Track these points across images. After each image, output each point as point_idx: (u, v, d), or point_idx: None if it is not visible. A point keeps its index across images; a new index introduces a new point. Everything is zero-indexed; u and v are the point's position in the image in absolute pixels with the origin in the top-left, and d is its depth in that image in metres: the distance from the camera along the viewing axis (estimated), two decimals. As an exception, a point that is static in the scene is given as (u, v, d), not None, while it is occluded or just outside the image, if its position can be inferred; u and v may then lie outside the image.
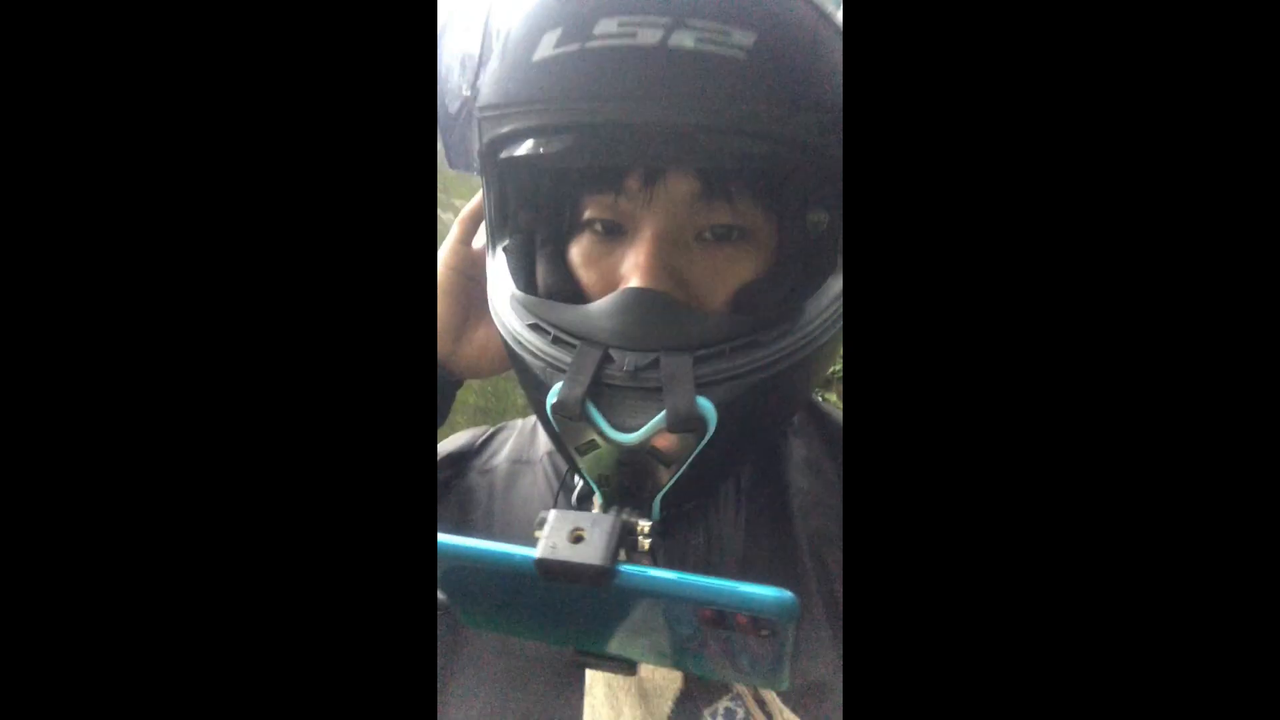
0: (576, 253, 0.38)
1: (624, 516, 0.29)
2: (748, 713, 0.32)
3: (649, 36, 0.30)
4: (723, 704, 0.32)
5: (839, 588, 0.37)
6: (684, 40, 0.30)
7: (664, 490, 0.33)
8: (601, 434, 0.32)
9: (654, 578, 0.26)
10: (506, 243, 0.40)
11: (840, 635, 0.36)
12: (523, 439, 0.50)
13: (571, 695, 0.35)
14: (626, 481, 0.34)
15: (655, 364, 0.32)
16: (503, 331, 0.38)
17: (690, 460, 0.33)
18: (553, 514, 0.28)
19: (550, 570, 0.26)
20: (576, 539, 0.27)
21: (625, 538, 0.28)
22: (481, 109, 0.36)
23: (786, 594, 0.25)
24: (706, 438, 0.32)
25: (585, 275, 0.38)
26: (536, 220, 0.40)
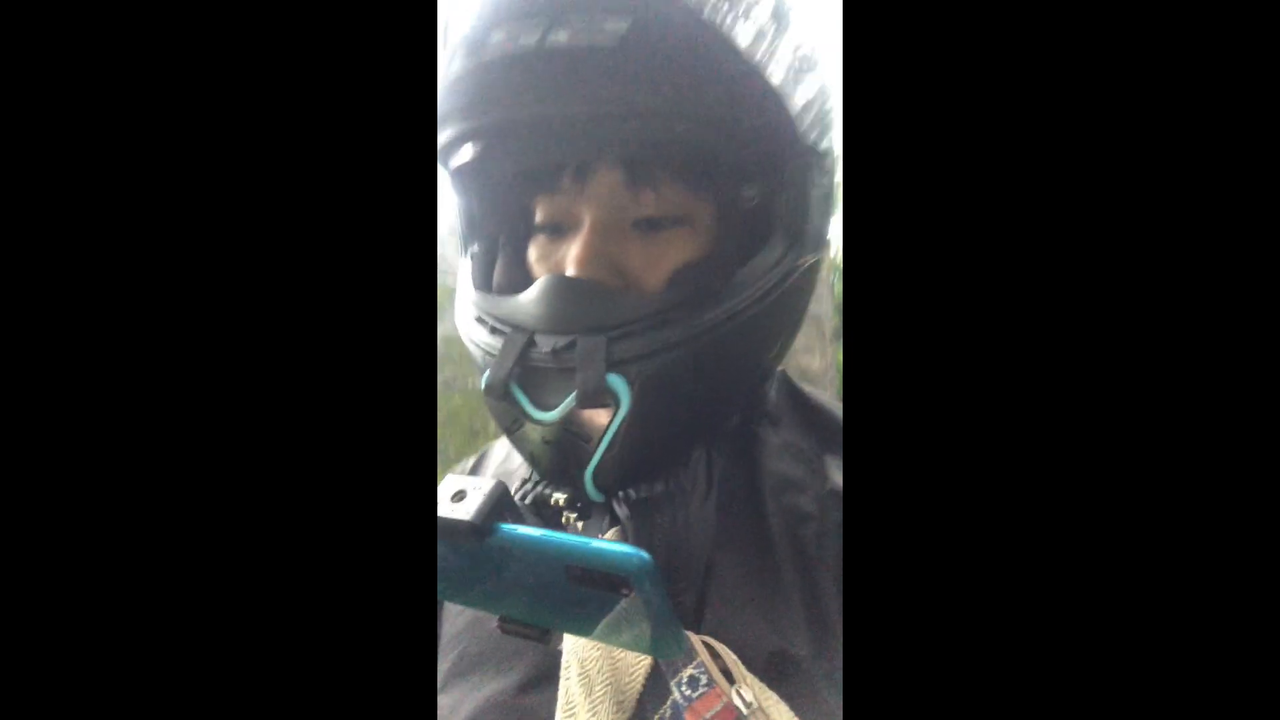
0: (531, 252, 0.41)
1: (545, 491, 0.31)
2: (711, 679, 0.32)
3: (529, 39, 0.32)
4: (687, 673, 0.33)
5: (817, 565, 0.38)
6: (559, 37, 0.32)
7: (590, 466, 0.35)
8: (524, 412, 0.34)
9: (521, 535, 0.27)
10: (475, 249, 0.43)
11: (816, 611, 0.36)
12: (506, 451, 0.52)
13: (547, 678, 0.35)
14: (556, 461, 0.36)
15: (573, 345, 0.34)
16: (461, 335, 0.40)
17: (611, 435, 0.34)
18: (447, 476, 0.29)
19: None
20: (458, 498, 0.28)
21: (504, 502, 0.29)
22: None
23: (639, 551, 0.25)
24: (621, 413, 0.33)
25: (537, 272, 0.40)
26: (499, 225, 0.42)
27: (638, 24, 0.32)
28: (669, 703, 0.33)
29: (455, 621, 0.41)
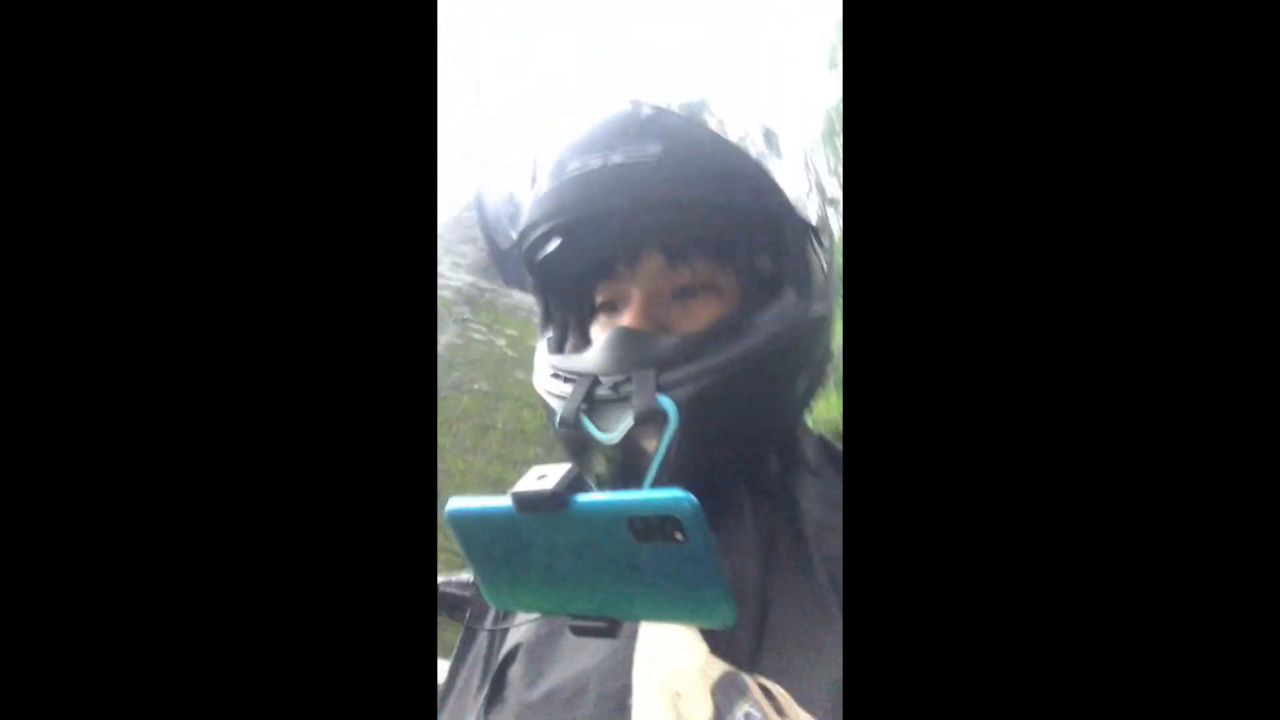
0: (594, 330, 0.52)
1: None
2: (764, 714, 0.35)
3: (595, 163, 0.44)
4: (743, 709, 0.36)
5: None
6: (615, 158, 0.44)
7: (648, 476, 0.41)
8: (591, 436, 0.42)
9: (591, 500, 0.31)
10: (550, 335, 0.54)
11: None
12: None
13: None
14: (618, 479, 0.43)
15: (629, 380, 0.43)
16: (538, 391, 0.49)
17: (665, 447, 0.41)
18: (533, 468, 0.34)
19: (519, 500, 0.32)
20: (540, 479, 0.32)
21: (580, 481, 0.32)
22: (521, 231, 0.51)
23: (688, 494, 0.28)
24: (670, 426, 0.40)
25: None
26: (567, 312, 0.54)
27: (669, 145, 0.44)
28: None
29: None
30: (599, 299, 0.51)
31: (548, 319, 0.55)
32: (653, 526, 0.29)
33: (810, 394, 0.52)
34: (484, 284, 3.41)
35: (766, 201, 0.47)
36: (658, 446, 0.41)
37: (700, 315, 0.47)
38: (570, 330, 0.54)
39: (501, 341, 3.14)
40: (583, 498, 0.31)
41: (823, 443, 0.54)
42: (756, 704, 0.36)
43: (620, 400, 0.43)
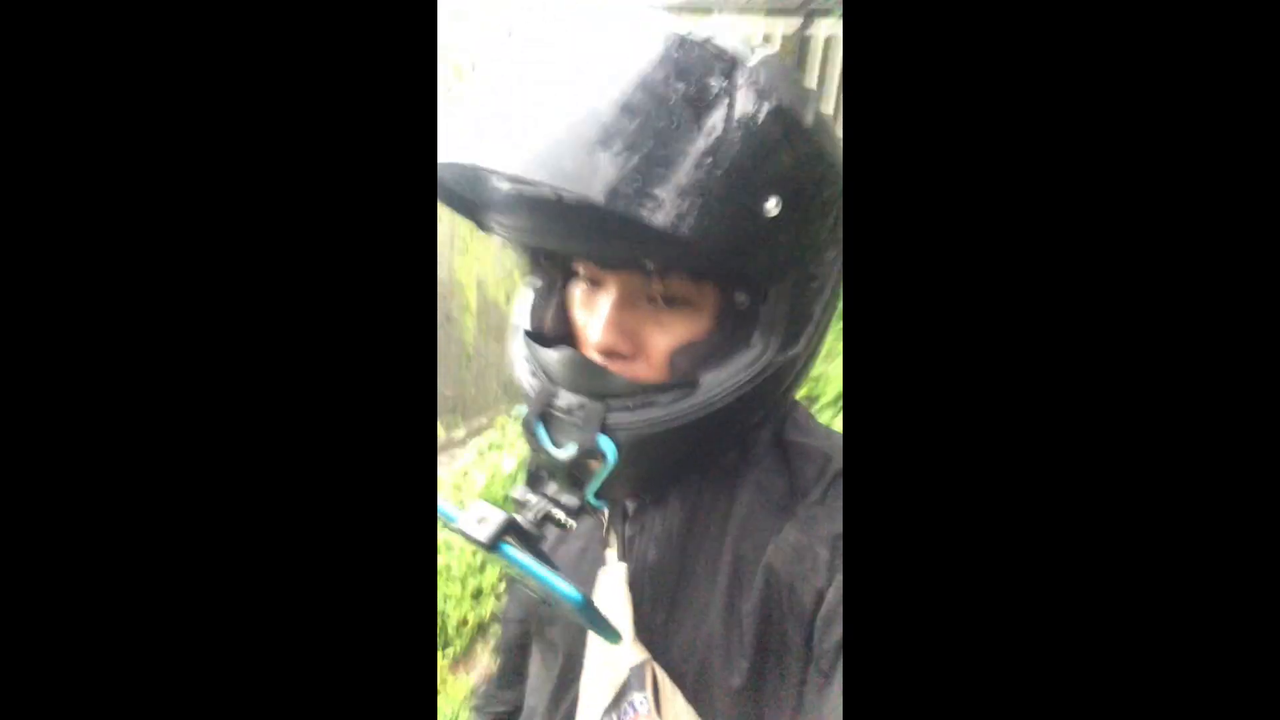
0: (575, 296, 0.51)
1: (551, 502, 0.44)
2: (649, 705, 0.43)
3: (596, 192, 0.36)
4: (638, 695, 0.43)
5: (748, 603, 0.46)
6: (619, 203, 0.37)
7: (590, 488, 0.46)
8: (543, 447, 0.46)
9: (513, 558, 0.41)
10: (537, 284, 0.53)
11: (745, 644, 0.45)
12: None
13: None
14: (568, 475, 0.46)
15: (582, 405, 0.44)
16: (512, 359, 0.51)
17: (604, 478, 0.45)
18: (474, 502, 0.43)
19: (462, 534, 0.42)
20: (480, 521, 0.41)
21: (511, 528, 0.42)
22: (495, 198, 0.45)
23: (575, 593, 0.39)
24: (609, 465, 0.44)
25: (577, 316, 0.50)
26: (554, 269, 0.52)
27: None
28: (627, 703, 0.45)
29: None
30: (578, 268, 0.50)
31: (536, 268, 0.54)
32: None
33: (789, 394, 0.51)
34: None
35: (775, 256, 0.43)
36: (598, 472, 0.45)
37: (674, 330, 0.47)
38: (554, 290, 0.53)
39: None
40: (510, 551, 0.41)
41: (778, 432, 0.53)
42: (646, 696, 0.44)
43: (571, 420, 0.45)
